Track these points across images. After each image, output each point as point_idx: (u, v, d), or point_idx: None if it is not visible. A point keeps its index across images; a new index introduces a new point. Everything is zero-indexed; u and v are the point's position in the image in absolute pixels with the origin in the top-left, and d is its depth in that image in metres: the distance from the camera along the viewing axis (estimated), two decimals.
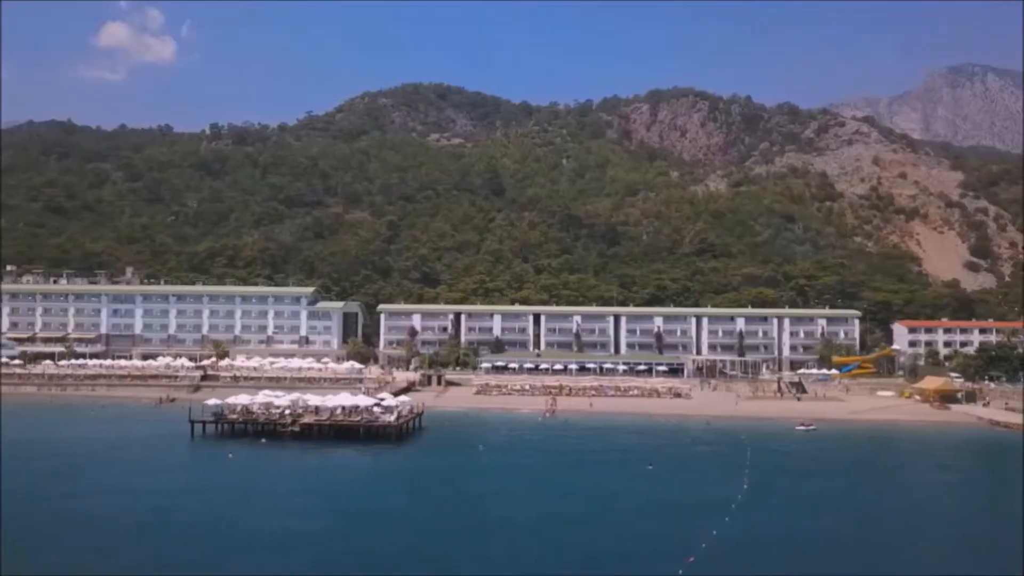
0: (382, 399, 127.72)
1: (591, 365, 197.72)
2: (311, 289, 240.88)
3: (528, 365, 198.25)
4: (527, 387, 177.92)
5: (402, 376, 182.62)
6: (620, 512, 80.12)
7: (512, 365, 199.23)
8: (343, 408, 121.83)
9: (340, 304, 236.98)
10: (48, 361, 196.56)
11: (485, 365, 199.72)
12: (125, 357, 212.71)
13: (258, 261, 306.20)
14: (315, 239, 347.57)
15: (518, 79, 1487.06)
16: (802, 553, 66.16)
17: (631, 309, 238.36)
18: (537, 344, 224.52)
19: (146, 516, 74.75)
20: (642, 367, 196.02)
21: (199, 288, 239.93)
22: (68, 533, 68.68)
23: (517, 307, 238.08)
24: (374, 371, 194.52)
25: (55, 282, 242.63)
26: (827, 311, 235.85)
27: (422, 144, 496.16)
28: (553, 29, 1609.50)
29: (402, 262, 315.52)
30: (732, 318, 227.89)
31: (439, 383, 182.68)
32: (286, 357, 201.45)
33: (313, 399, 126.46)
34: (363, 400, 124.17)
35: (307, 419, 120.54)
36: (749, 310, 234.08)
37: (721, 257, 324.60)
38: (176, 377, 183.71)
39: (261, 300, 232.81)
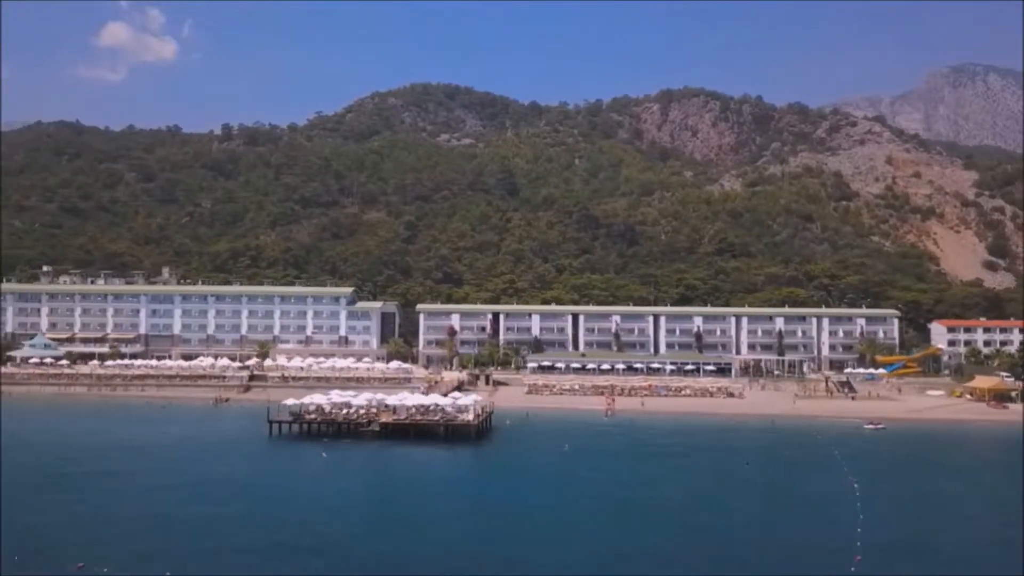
0: (456, 398, 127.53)
1: (638, 365, 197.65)
2: (350, 289, 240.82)
3: (575, 365, 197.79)
4: (576, 387, 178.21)
5: (450, 376, 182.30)
6: (765, 506, 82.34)
7: (559, 365, 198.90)
8: (421, 407, 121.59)
9: (379, 304, 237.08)
10: (94, 361, 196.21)
11: (531, 365, 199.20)
12: (164, 357, 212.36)
13: (280, 261, 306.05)
14: (333, 239, 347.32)
15: (525, 79, 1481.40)
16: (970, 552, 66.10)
17: (671, 309, 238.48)
18: (575, 344, 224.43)
19: (323, 516, 76.39)
20: (690, 367, 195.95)
21: (238, 288, 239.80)
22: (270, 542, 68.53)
23: (556, 307, 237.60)
24: (419, 371, 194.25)
25: (92, 283, 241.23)
26: (866, 311, 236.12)
27: (434, 144, 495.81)
28: (559, 29, 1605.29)
29: (423, 262, 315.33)
30: (771, 318, 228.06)
31: (487, 382, 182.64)
32: (326, 357, 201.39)
33: (389, 399, 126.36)
34: (441, 399, 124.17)
35: (385, 418, 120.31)
36: (789, 310, 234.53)
37: (741, 257, 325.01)
38: (224, 377, 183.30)
39: (300, 300, 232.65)
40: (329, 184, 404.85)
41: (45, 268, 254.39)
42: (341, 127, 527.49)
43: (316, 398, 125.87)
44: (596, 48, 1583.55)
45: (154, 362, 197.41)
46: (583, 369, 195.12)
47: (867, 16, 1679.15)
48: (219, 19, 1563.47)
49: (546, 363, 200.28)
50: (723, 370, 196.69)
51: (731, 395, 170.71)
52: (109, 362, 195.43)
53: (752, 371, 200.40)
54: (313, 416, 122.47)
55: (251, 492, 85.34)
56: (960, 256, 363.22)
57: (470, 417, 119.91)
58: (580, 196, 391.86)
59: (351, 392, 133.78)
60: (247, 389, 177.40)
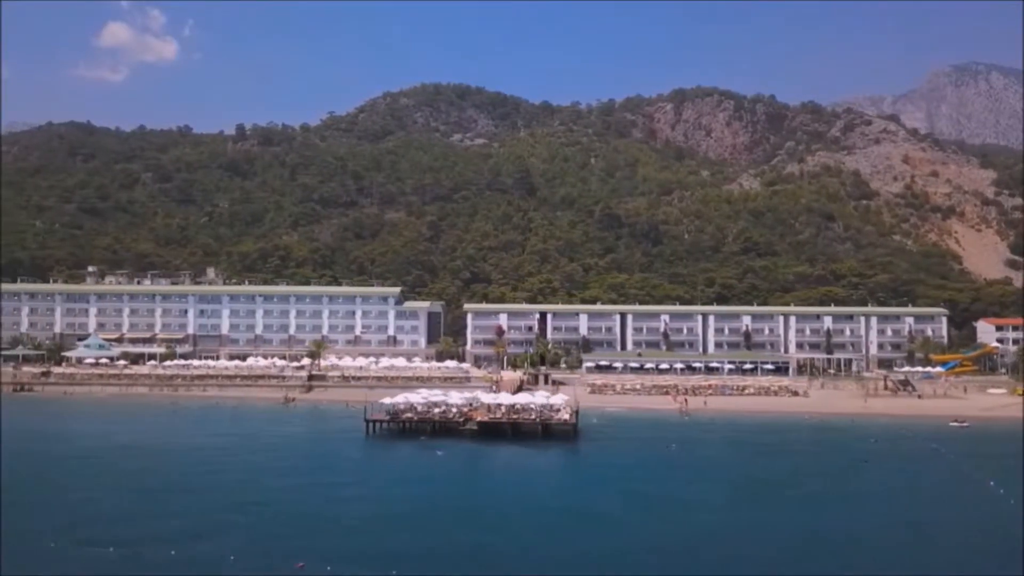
0: (547, 396, 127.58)
1: (696, 364, 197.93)
2: (398, 289, 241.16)
3: (632, 364, 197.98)
4: (639, 386, 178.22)
5: (510, 376, 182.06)
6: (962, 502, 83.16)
7: (616, 365, 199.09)
8: (516, 406, 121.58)
9: (427, 304, 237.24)
10: (152, 361, 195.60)
11: (588, 364, 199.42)
12: (212, 357, 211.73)
13: (309, 261, 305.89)
14: (356, 240, 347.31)
15: (534, 79, 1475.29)
16: None
17: (720, 308, 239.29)
18: (623, 344, 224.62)
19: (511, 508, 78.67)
20: (748, 366, 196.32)
21: (286, 288, 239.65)
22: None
23: (604, 306, 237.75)
24: (473, 371, 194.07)
25: (139, 283, 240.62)
26: (914, 309, 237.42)
27: (448, 144, 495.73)
28: (568, 29, 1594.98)
29: (450, 262, 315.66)
30: (819, 316, 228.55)
31: (546, 382, 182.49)
32: (376, 357, 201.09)
33: (484, 397, 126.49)
34: (536, 398, 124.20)
35: (480, 416, 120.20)
36: (837, 308, 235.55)
37: (766, 256, 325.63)
38: (283, 377, 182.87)
39: (348, 300, 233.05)
40: (347, 184, 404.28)
41: (91, 268, 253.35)
42: (355, 127, 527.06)
43: (410, 397, 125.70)
44: (605, 48, 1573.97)
45: (211, 362, 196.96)
46: (641, 369, 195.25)
47: (867, 15, 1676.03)
48: (219, 19, 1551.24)
49: (603, 362, 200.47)
50: (781, 369, 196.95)
51: (795, 394, 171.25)
52: (167, 362, 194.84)
53: (808, 370, 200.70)
54: (409, 415, 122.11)
55: (408, 490, 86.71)
56: (983, 255, 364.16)
57: (567, 415, 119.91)
58: (599, 195, 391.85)
59: (438, 391, 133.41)
60: (309, 389, 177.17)
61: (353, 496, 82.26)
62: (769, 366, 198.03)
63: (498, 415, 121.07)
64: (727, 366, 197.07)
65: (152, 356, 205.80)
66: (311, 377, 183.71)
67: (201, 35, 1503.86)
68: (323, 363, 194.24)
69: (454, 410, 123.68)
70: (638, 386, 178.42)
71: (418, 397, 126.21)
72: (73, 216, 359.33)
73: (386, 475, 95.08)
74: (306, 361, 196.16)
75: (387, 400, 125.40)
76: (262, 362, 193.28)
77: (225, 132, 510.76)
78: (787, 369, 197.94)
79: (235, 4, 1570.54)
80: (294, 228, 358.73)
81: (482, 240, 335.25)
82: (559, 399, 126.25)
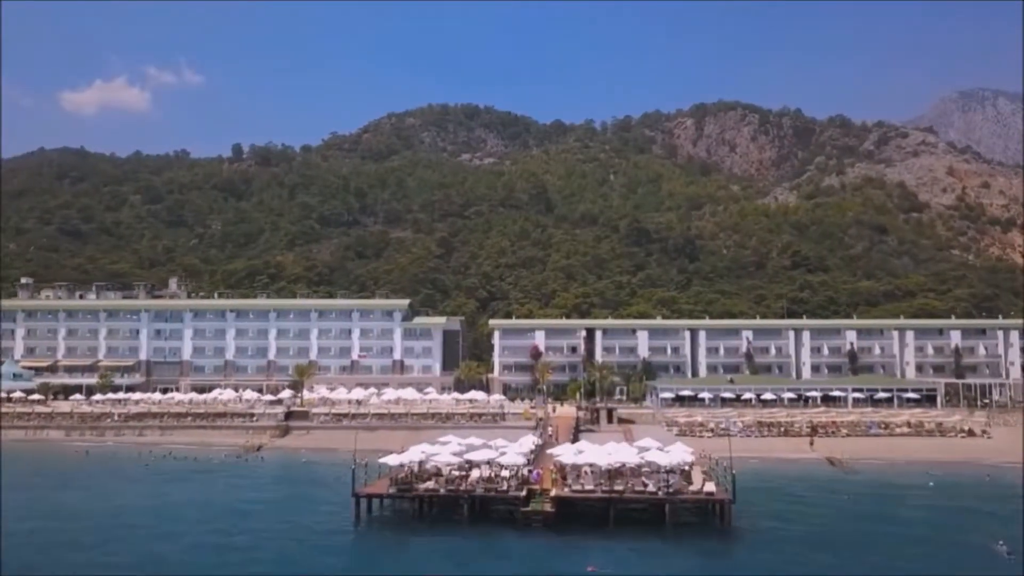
0: (643, 450, 73.28)
1: (813, 393, 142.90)
2: (406, 301, 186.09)
3: (725, 394, 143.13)
4: (740, 424, 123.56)
5: (565, 413, 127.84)
6: None
7: (704, 395, 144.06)
8: (611, 471, 67.07)
9: (442, 320, 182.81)
10: (78, 396, 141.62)
11: (665, 395, 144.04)
12: (171, 389, 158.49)
13: (303, 280, 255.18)
14: (358, 259, 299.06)
15: (544, 101, 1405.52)
16: None
17: (816, 322, 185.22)
18: (695, 368, 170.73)
19: None
20: (881, 394, 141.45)
21: (265, 302, 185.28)
22: None
23: (671, 321, 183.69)
24: (508, 404, 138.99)
25: (82, 298, 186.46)
26: None
27: (457, 163, 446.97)
28: (577, 48, 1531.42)
29: (464, 280, 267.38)
30: (941, 331, 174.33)
31: (609, 419, 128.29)
32: (378, 387, 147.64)
33: (557, 451, 72.42)
34: (628, 454, 69.86)
35: (556, 488, 66.04)
36: (967, 321, 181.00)
37: (816, 271, 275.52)
38: (252, 416, 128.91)
39: (343, 316, 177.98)
40: (349, 202, 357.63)
41: (24, 280, 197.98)
42: (358, 147, 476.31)
43: (431, 450, 70.93)
44: (617, 66, 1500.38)
45: (157, 396, 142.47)
46: (737, 400, 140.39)
47: (875, 41, 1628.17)
48: (218, 52, 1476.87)
49: (686, 391, 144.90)
50: (928, 398, 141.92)
51: (970, 434, 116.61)
52: (98, 396, 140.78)
53: (958, 399, 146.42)
54: (431, 485, 67.68)
55: None
56: None
57: (711, 486, 65.66)
58: (622, 211, 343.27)
59: (474, 438, 78.56)
60: (285, 432, 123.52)
61: None
62: (911, 395, 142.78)
63: (586, 485, 66.51)
64: (852, 394, 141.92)
65: (84, 389, 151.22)
66: (289, 415, 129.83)
67: (198, 62, 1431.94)
68: (309, 395, 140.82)
69: (505, 473, 69.22)
70: (740, 424, 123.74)
71: (445, 452, 71.36)
72: (52, 238, 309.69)
73: None
74: (286, 394, 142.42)
75: (392, 458, 70.01)
76: (224, 395, 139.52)
77: (223, 156, 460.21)
78: (935, 398, 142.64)
79: (235, 37, 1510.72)
80: (290, 248, 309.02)
81: (499, 257, 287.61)
82: (681, 453, 71.55)
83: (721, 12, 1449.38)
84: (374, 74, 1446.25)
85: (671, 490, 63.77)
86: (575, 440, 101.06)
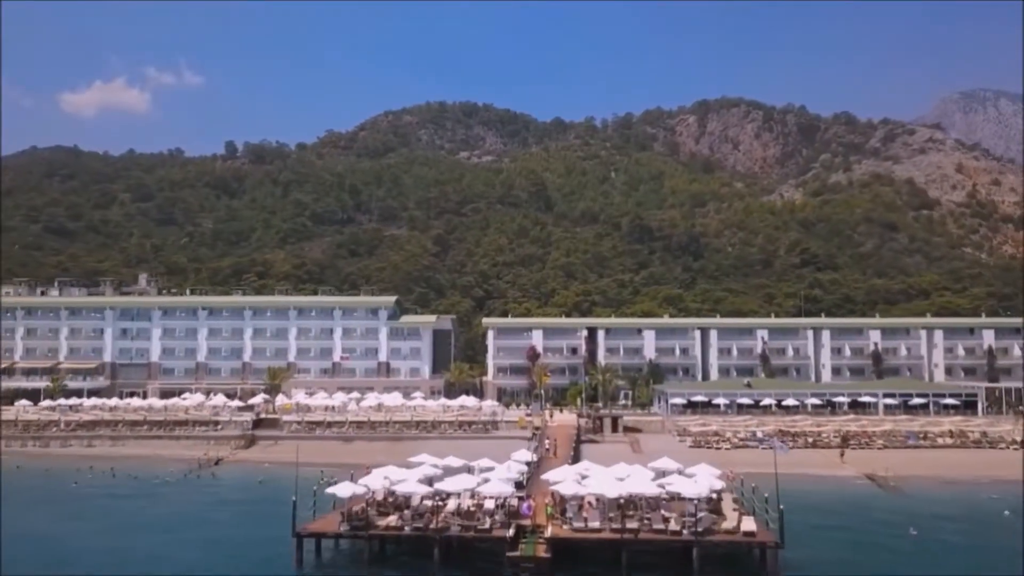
0: (682, 469, 58.57)
1: (841, 399, 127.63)
2: (393, 299, 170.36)
3: (743, 400, 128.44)
4: (759, 434, 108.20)
5: (564, 421, 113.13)
6: None
7: (718, 402, 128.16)
8: (627, 497, 52.09)
9: (432, 319, 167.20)
10: (24, 401, 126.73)
11: (676, 400, 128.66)
12: (138, 394, 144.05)
13: (292, 278, 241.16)
14: (351, 256, 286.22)
15: (543, 99, 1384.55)
16: None
17: (837, 321, 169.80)
18: (705, 370, 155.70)
19: None
20: (916, 400, 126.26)
21: (239, 299, 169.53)
22: None
23: (679, 319, 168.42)
24: (501, 410, 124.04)
25: (43, 294, 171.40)
26: None
27: (455, 161, 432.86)
28: (576, 46, 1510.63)
29: (459, 278, 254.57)
30: (972, 330, 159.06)
31: (614, 428, 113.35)
32: (361, 391, 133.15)
33: (554, 475, 57.39)
34: (643, 480, 55.07)
35: (553, 526, 50.97)
36: (1002, 320, 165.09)
37: (825, 270, 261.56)
38: (217, 424, 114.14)
39: (324, 314, 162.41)
40: (344, 200, 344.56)
41: None
42: (354, 144, 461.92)
43: (397, 476, 55.88)
44: (618, 65, 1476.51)
45: (112, 401, 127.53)
46: (756, 406, 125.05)
47: (874, 42, 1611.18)
48: (213, 56, 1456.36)
49: (699, 396, 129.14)
50: (967, 404, 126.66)
51: (1023, 445, 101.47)
52: (47, 402, 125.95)
53: (1001, 405, 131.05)
54: (395, 521, 52.79)
55: None
56: None
57: (749, 523, 50.69)
58: (623, 208, 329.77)
59: (455, 459, 63.60)
60: (250, 442, 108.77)
61: None
62: (950, 400, 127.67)
63: (591, 521, 51.62)
64: (883, 400, 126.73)
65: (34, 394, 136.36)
66: (258, 423, 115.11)
67: (196, 62, 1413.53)
68: (279, 402, 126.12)
69: (489, 504, 54.55)
70: (759, 434, 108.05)
71: (412, 479, 55.98)
72: (37, 236, 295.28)
73: None
74: (258, 399, 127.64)
75: (343, 488, 54.94)
76: (190, 400, 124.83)
77: (216, 154, 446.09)
78: (975, 405, 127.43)
79: (232, 37, 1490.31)
80: (282, 246, 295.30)
81: (496, 255, 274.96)
82: (709, 477, 56.68)
83: (722, 11, 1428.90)
84: (373, 73, 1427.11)
85: (699, 528, 48.82)
86: (576, 454, 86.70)
